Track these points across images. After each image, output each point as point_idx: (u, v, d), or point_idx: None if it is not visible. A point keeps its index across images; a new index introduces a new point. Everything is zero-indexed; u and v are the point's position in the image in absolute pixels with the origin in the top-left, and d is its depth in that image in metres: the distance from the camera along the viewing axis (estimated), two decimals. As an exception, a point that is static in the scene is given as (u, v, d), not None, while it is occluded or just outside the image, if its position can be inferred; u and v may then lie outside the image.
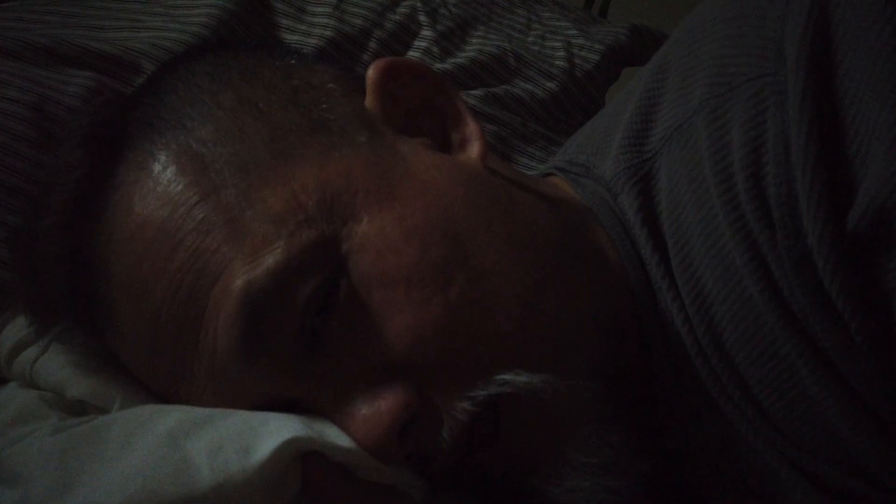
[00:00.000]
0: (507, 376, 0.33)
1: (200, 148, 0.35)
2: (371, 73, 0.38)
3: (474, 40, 0.61)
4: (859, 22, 0.31)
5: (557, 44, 0.63)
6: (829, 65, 0.31)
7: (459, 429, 0.33)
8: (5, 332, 0.42)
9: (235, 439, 0.33)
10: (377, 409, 0.33)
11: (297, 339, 0.34)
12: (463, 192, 0.36)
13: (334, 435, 0.34)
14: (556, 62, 0.62)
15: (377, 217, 0.34)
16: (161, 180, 0.35)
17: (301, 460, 0.33)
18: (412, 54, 0.59)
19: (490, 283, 0.34)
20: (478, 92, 0.58)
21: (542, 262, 0.36)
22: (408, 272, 0.34)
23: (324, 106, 0.37)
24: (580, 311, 0.36)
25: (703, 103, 0.35)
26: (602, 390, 0.35)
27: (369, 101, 0.38)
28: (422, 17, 0.60)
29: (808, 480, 0.36)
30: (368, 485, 0.34)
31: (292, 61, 0.39)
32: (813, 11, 0.32)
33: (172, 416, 0.34)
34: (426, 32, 0.59)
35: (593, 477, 0.34)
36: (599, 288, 0.37)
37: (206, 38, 0.52)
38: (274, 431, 0.33)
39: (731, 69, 0.34)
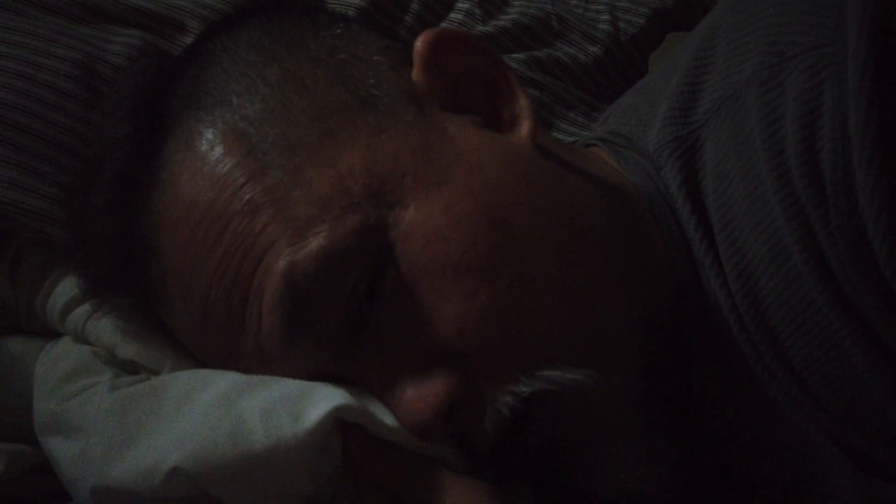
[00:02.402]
0: (551, 372, 0.33)
1: (247, 127, 0.35)
2: (419, 45, 0.37)
3: (517, 2, 0.60)
4: None
5: (602, 7, 0.61)
6: (894, 35, 0.30)
7: (501, 421, 0.34)
8: (59, 288, 0.43)
9: (287, 404, 0.34)
10: (423, 392, 0.33)
11: (343, 324, 0.34)
12: (512, 177, 0.36)
13: (378, 409, 0.34)
14: (600, 25, 0.60)
15: (425, 203, 0.34)
16: (208, 160, 0.35)
17: (342, 430, 0.34)
18: (454, 16, 0.58)
19: (538, 274, 0.34)
20: (520, 56, 0.57)
21: (591, 252, 0.36)
22: (455, 261, 0.33)
23: (371, 81, 0.37)
24: (626, 302, 0.36)
25: (755, 74, 0.34)
26: (643, 381, 0.36)
27: (416, 74, 0.37)
28: (465, -22, 0.59)
29: (851, 459, 0.36)
30: (411, 455, 0.35)
31: (338, 31, 0.38)
32: None
33: (226, 378, 0.35)
34: (469, -7, 0.58)
35: (627, 464, 0.35)
36: (645, 273, 0.37)
37: (251, -3, 0.51)
38: (323, 398, 0.34)
39: (785, 38, 0.33)
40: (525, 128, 0.38)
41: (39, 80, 0.45)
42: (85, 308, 0.41)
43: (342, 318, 0.34)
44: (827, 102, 0.31)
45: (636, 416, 0.35)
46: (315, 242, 0.33)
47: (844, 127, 0.31)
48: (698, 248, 0.36)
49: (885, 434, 0.35)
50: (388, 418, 0.34)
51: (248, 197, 0.34)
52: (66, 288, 0.43)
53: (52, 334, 0.43)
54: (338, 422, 0.34)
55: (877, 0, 0.30)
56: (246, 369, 0.36)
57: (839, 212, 0.32)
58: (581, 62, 0.59)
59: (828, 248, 0.32)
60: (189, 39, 0.49)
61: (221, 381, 0.35)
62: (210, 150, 0.35)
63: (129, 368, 0.40)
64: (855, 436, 0.36)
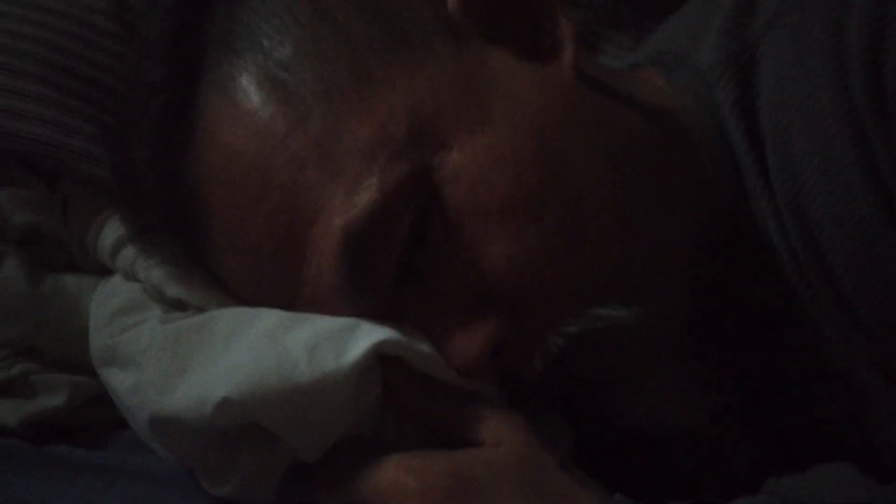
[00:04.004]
0: (601, 310, 0.33)
1: (281, 73, 0.34)
2: None
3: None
4: None
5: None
6: None
7: (550, 359, 0.34)
8: (108, 228, 0.44)
9: (331, 339, 0.34)
10: (472, 332, 0.34)
11: (396, 269, 0.34)
12: (556, 110, 0.35)
13: (421, 344, 0.35)
14: (651, -62, 0.57)
15: (468, 144, 0.33)
16: (245, 111, 0.34)
17: (383, 366, 0.34)
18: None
19: (585, 210, 0.34)
20: (564, -26, 0.54)
21: (639, 185, 0.35)
22: (501, 202, 0.33)
23: (405, 15, 0.35)
24: (676, 234, 0.35)
25: None
26: (692, 316, 0.35)
27: (452, 3, 0.36)
28: None
29: None
30: (450, 389, 0.35)
31: None
32: None
33: (273, 314, 0.36)
34: None
35: (671, 401, 0.35)
36: (694, 204, 0.36)
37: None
38: (366, 333, 0.34)
39: None
40: (567, 56, 0.36)
41: (74, 17, 0.45)
42: (133, 248, 0.42)
43: (394, 263, 0.34)
44: (893, 11, 0.30)
45: (683, 353, 0.35)
46: (366, 196, 0.33)
47: None
48: (749, 171, 0.35)
49: None
50: (428, 349, 0.34)
51: (291, 150, 0.34)
52: (115, 227, 0.43)
53: (105, 271, 0.45)
54: (379, 357, 0.34)
55: None
56: (298, 311, 0.36)
57: None
58: (630, -21, 0.56)
59: (887, 170, 0.31)
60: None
61: (268, 317, 0.36)
62: (246, 97, 0.35)
63: (178, 305, 0.40)
64: None
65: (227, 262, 0.37)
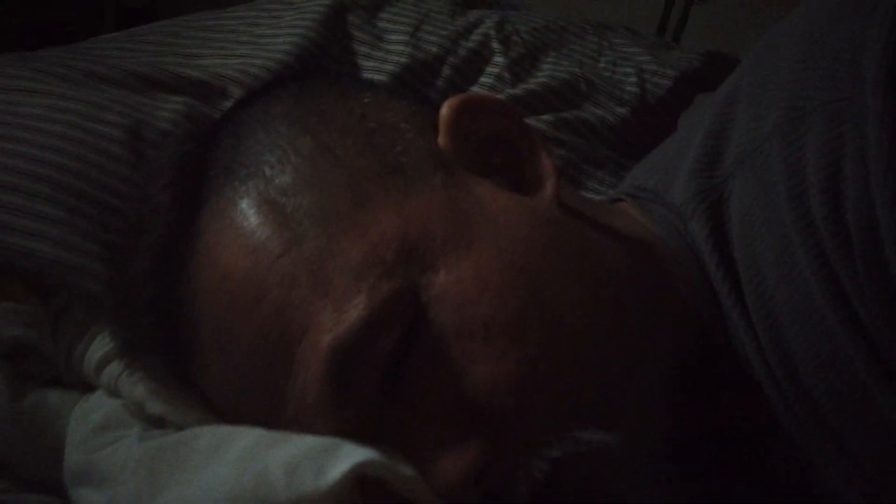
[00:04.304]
0: (582, 434, 0.33)
1: (280, 198, 0.36)
2: (444, 111, 0.39)
3: (546, 66, 0.61)
4: None
5: (629, 69, 0.63)
6: None
7: (533, 483, 0.34)
8: (96, 343, 0.44)
9: (311, 458, 0.34)
10: (455, 454, 0.34)
11: (379, 388, 0.34)
12: (538, 237, 0.36)
13: (403, 466, 0.34)
14: (628, 88, 0.62)
15: (454, 267, 0.35)
16: (243, 231, 0.36)
17: (363, 489, 0.34)
18: (484, 80, 0.60)
19: (566, 333, 0.34)
20: (548, 117, 0.59)
21: (618, 310, 0.36)
22: (485, 323, 0.34)
23: (398, 148, 0.38)
24: (654, 358, 0.36)
25: (777, 127, 0.34)
26: (672, 437, 0.35)
27: (442, 139, 0.39)
28: (494, 45, 0.61)
29: None
30: None
31: (366, 100, 0.40)
32: (894, 33, 0.31)
33: (253, 432, 0.36)
34: (498, 59, 0.60)
35: None
36: (672, 328, 0.37)
37: (290, 64, 0.54)
38: (347, 454, 0.34)
39: (805, 92, 0.34)
40: (549, 188, 0.38)
41: (89, 144, 0.48)
42: (118, 364, 0.42)
43: (379, 380, 0.34)
44: (848, 155, 0.32)
45: (667, 477, 0.35)
46: (355, 314, 0.34)
47: (867, 179, 0.31)
48: (726, 299, 0.36)
49: None
50: (411, 472, 0.34)
51: (285, 269, 0.35)
52: (102, 343, 0.44)
53: (88, 387, 0.45)
54: (360, 479, 0.34)
55: (892, 54, 0.31)
56: (281, 430, 0.36)
57: (866, 262, 0.31)
58: (609, 123, 0.60)
59: (856, 301, 0.32)
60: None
61: (248, 435, 0.36)
62: (245, 219, 0.36)
63: (158, 423, 0.40)
64: (890, 496, 0.34)
65: (215, 375, 0.37)
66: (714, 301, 0.37)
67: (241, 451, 0.35)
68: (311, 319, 0.34)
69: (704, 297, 0.37)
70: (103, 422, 0.40)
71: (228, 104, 0.52)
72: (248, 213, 0.36)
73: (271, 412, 0.36)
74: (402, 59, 0.58)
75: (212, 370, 0.37)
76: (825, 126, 0.32)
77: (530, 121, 0.57)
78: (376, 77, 0.57)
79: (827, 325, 0.33)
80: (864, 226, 0.31)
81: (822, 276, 0.32)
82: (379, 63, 0.58)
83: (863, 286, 0.32)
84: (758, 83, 0.37)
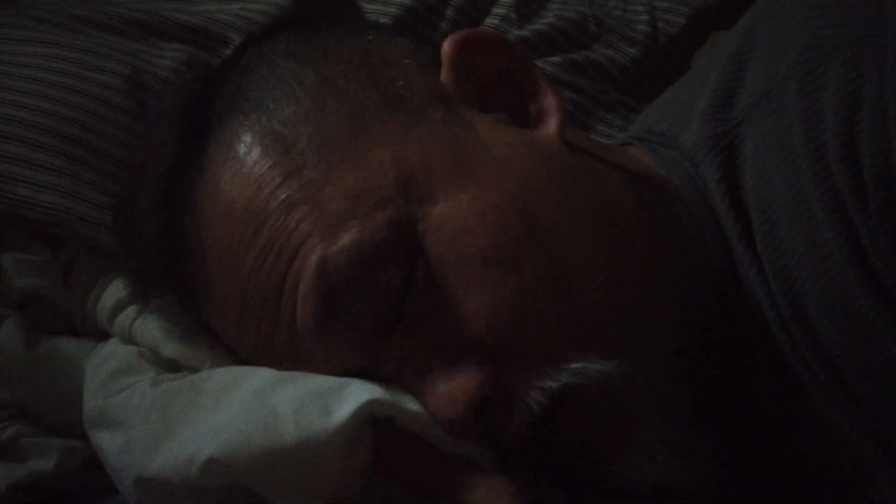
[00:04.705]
0: (580, 364, 0.33)
1: (283, 129, 0.36)
2: (446, 47, 0.38)
3: (553, 5, 0.60)
4: None
5: (640, 7, 0.61)
6: None
7: (531, 415, 0.34)
8: (108, 291, 0.45)
9: (318, 399, 0.34)
10: (454, 387, 0.34)
11: (376, 318, 0.34)
12: (540, 169, 0.36)
13: (410, 403, 0.35)
14: (639, 27, 0.60)
15: (453, 198, 0.34)
16: (247, 161, 0.36)
17: (373, 428, 0.34)
18: (490, 21, 0.59)
19: (565, 264, 0.34)
20: (556, 59, 0.57)
21: (620, 243, 0.36)
22: (483, 252, 0.34)
23: (400, 83, 0.38)
24: (658, 293, 0.36)
25: (794, 67, 0.33)
26: (675, 374, 0.35)
27: (444, 75, 0.38)
28: (500, -17, 0.59)
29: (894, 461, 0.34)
30: (440, 453, 0.35)
31: (370, 37, 0.40)
32: None
33: (262, 374, 0.36)
34: (504, -1, 0.59)
35: (660, 457, 0.34)
36: (679, 267, 0.37)
37: (289, 9, 0.53)
38: (354, 393, 0.34)
39: (826, 31, 0.33)
40: (553, 123, 0.38)
41: (91, 94, 0.48)
42: (132, 310, 0.43)
43: (375, 312, 0.34)
44: (867, 94, 0.31)
45: (668, 408, 0.35)
46: (347, 237, 0.34)
47: (885, 119, 0.30)
48: (737, 244, 0.36)
49: None
50: (417, 409, 0.34)
51: (284, 195, 0.35)
52: (115, 291, 0.45)
53: (102, 335, 0.45)
54: (368, 417, 0.34)
55: None
56: (279, 365, 0.36)
57: (879, 206, 0.31)
58: (619, 64, 0.58)
59: (869, 245, 0.31)
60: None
61: (257, 376, 0.36)
62: (248, 151, 0.36)
63: (172, 367, 0.41)
64: None
65: (221, 308, 0.38)
66: (725, 245, 0.36)
67: (249, 392, 0.36)
68: (304, 241, 0.34)
69: (715, 240, 0.37)
70: (118, 368, 0.41)
71: (229, 51, 0.52)
72: (252, 145, 0.37)
73: (268, 341, 0.36)
74: (406, 1, 0.57)
75: (218, 302, 0.38)
76: (845, 65, 0.32)
77: (538, 63, 0.56)
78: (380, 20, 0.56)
79: (839, 271, 0.32)
80: (880, 171, 0.30)
81: (835, 221, 0.32)
82: (381, 6, 0.57)
83: (875, 231, 0.31)
84: (776, 20, 0.36)
